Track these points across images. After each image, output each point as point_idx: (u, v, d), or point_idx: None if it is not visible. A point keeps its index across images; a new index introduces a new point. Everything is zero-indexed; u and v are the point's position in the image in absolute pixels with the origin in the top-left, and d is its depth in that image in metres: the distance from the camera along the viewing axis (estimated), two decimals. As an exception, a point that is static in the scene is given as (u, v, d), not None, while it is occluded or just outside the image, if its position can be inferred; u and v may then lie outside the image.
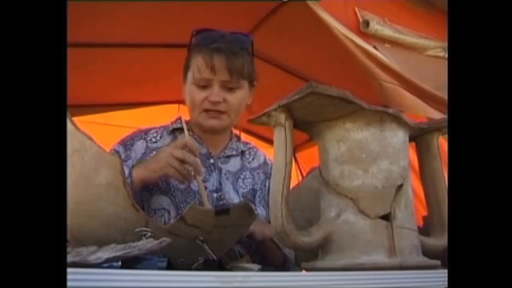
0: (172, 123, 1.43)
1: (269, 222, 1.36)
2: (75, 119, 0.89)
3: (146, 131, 1.40)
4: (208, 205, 1.21)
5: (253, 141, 1.60)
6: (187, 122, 1.40)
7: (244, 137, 1.56)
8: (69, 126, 0.87)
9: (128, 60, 2.64)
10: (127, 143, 1.36)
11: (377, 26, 2.08)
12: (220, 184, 1.35)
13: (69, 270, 0.60)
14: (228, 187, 1.35)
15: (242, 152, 1.45)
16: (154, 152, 1.33)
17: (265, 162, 1.48)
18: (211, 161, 1.38)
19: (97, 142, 0.90)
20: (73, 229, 0.89)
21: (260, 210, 1.35)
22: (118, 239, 0.83)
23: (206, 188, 1.31)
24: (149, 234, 0.87)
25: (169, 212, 1.26)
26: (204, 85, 1.33)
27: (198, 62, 1.32)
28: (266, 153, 1.54)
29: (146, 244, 0.77)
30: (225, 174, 1.38)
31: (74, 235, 0.90)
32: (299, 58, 2.57)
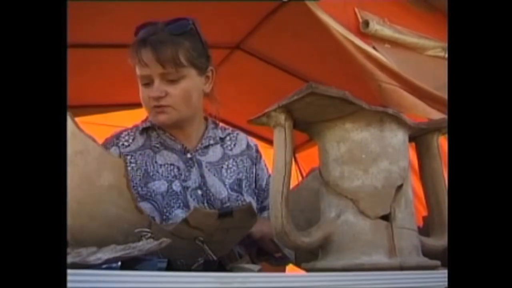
0: (142, 122, 1.37)
1: (260, 210, 1.35)
2: (75, 119, 0.89)
3: (118, 136, 1.35)
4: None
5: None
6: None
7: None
8: (72, 127, 0.87)
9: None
10: None
11: (377, 26, 2.08)
12: (202, 177, 1.29)
13: (69, 271, 0.60)
14: (212, 180, 1.29)
15: (222, 139, 1.38)
16: (129, 157, 1.28)
17: (248, 146, 1.41)
18: (188, 155, 1.31)
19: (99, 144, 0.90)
20: (74, 230, 0.89)
21: (248, 199, 1.30)
22: (119, 240, 0.83)
23: (187, 188, 1.26)
24: (149, 235, 0.87)
25: (153, 219, 1.20)
26: (147, 83, 1.26)
27: (134, 60, 1.26)
28: (247, 136, 1.47)
29: (146, 245, 0.77)
30: (206, 167, 1.31)
31: (75, 236, 0.90)
32: (299, 58, 2.57)
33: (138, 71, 1.27)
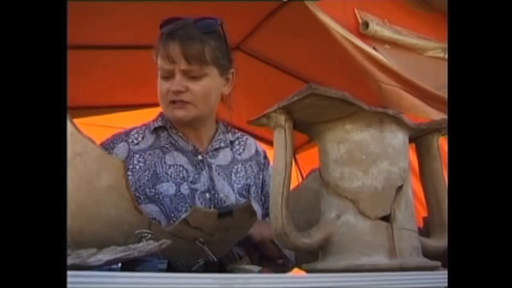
0: (153, 121, 1.36)
1: (265, 216, 1.35)
2: (75, 121, 0.89)
3: (127, 133, 1.34)
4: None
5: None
6: (168, 119, 1.33)
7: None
8: (71, 129, 0.87)
9: (129, 61, 2.64)
10: (107, 147, 1.29)
11: (376, 27, 2.08)
12: (211, 181, 1.28)
13: (69, 272, 0.60)
14: (221, 183, 1.29)
15: (231, 143, 1.38)
16: (137, 155, 1.28)
17: (256, 152, 1.41)
18: (199, 157, 1.31)
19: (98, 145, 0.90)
20: (74, 231, 0.89)
21: (256, 206, 1.29)
22: (120, 242, 0.83)
23: (196, 190, 1.26)
24: (149, 236, 0.87)
25: (159, 222, 1.19)
26: (168, 76, 1.26)
27: (159, 53, 1.27)
28: (256, 141, 1.47)
29: (146, 246, 0.77)
30: (216, 170, 1.31)
31: (75, 238, 0.90)
32: (299, 59, 2.56)
33: (161, 63, 1.27)
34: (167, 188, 1.24)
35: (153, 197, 1.23)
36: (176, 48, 1.24)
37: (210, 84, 1.28)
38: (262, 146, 1.47)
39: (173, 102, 1.27)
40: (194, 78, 1.26)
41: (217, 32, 1.31)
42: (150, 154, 1.30)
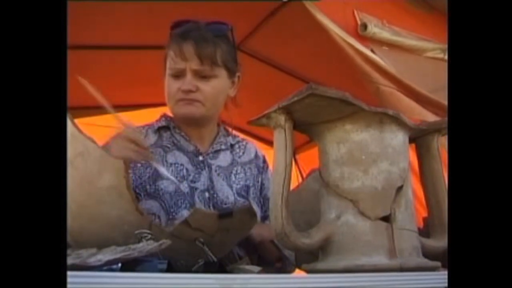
0: (157, 121, 1.40)
1: (263, 219, 1.36)
2: (76, 121, 0.89)
3: None
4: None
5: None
6: (171, 119, 1.37)
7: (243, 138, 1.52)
8: (72, 129, 0.87)
9: (130, 61, 2.64)
10: None
11: (375, 29, 2.08)
12: (211, 181, 1.31)
13: (69, 272, 0.60)
14: (220, 184, 1.32)
15: (232, 146, 1.41)
16: None
17: (256, 156, 1.44)
18: (200, 158, 1.34)
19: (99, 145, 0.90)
20: (74, 231, 0.89)
21: (254, 207, 1.28)
22: (120, 242, 0.83)
23: (196, 189, 1.28)
24: (149, 236, 0.87)
25: (159, 217, 1.22)
26: (178, 75, 1.30)
27: (170, 52, 1.31)
28: (257, 145, 1.50)
29: (146, 246, 0.77)
30: (216, 171, 1.34)
31: (75, 238, 0.90)
32: (299, 59, 2.57)
33: (172, 63, 1.30)
34: (168, 185, 1.26)
35: (154, 193, 1.25)
36: (189, 47, 1.28)
37: (219, 85, 1.32)
38: (262, 151, 1.49)
39: (182, 100, 1.30)
40: (204, 78, 1.30)
41: (227, 36, 1.35)
42: (152, 152, 1.30)
